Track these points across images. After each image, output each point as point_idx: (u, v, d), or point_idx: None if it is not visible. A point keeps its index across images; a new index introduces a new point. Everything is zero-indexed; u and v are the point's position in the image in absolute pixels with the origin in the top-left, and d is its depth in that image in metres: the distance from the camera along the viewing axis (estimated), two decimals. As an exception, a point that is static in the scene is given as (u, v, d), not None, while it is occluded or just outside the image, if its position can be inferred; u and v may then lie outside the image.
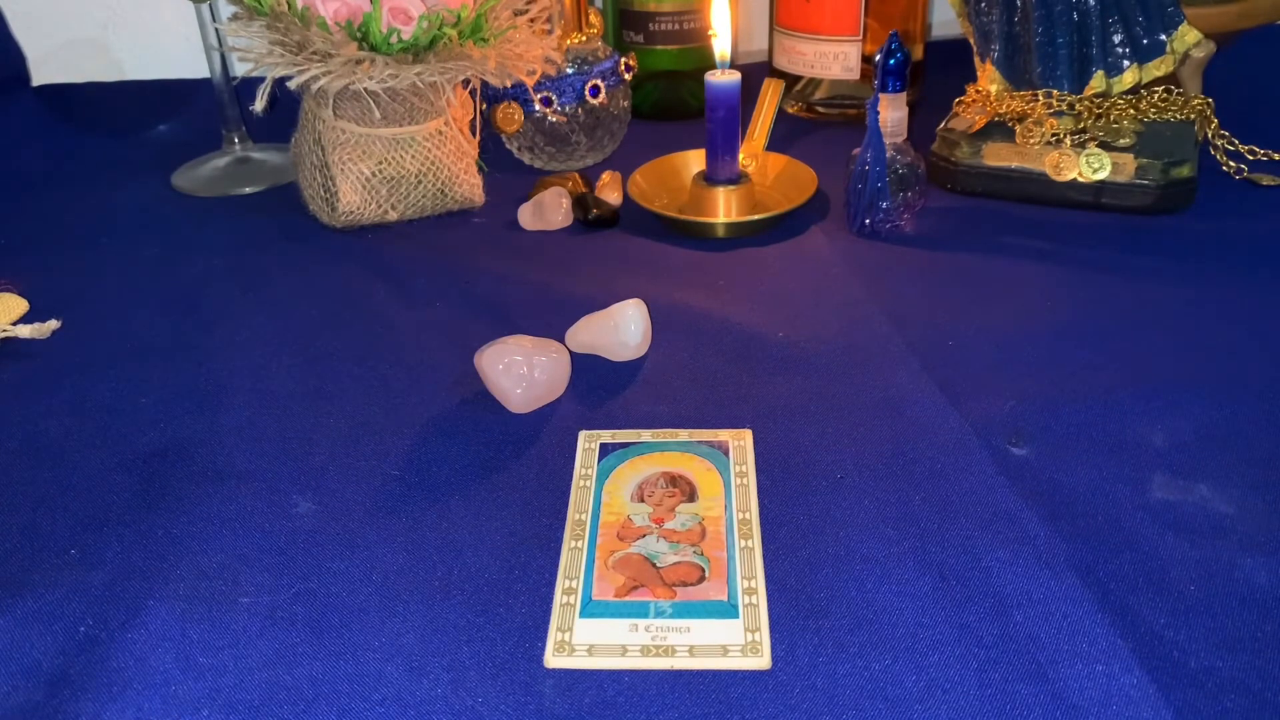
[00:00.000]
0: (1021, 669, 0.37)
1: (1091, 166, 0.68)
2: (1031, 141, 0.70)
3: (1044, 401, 0.51)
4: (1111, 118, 0.69)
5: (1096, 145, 0.69)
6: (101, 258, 0.70)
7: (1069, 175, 0.69)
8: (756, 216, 0.69)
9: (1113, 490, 0.46)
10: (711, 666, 0.38)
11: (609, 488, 0.47)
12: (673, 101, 0.90)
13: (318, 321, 0.61)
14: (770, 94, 0.78)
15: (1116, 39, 0.68)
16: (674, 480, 0.47)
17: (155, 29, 0.93)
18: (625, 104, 0.80)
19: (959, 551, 0.43)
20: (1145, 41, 0.68)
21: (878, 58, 0.65)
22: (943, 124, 0.75)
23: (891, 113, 0.66)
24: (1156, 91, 0.69)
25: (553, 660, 0.38)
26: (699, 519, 0.45)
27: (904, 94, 0.66)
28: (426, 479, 0.48)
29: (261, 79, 0.64)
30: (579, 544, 0.44)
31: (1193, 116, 0.69)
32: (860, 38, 0.82)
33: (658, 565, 0.42)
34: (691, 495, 0.46)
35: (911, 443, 0.49)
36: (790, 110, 0.89)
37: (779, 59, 0.87)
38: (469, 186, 0.73)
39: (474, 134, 0.75)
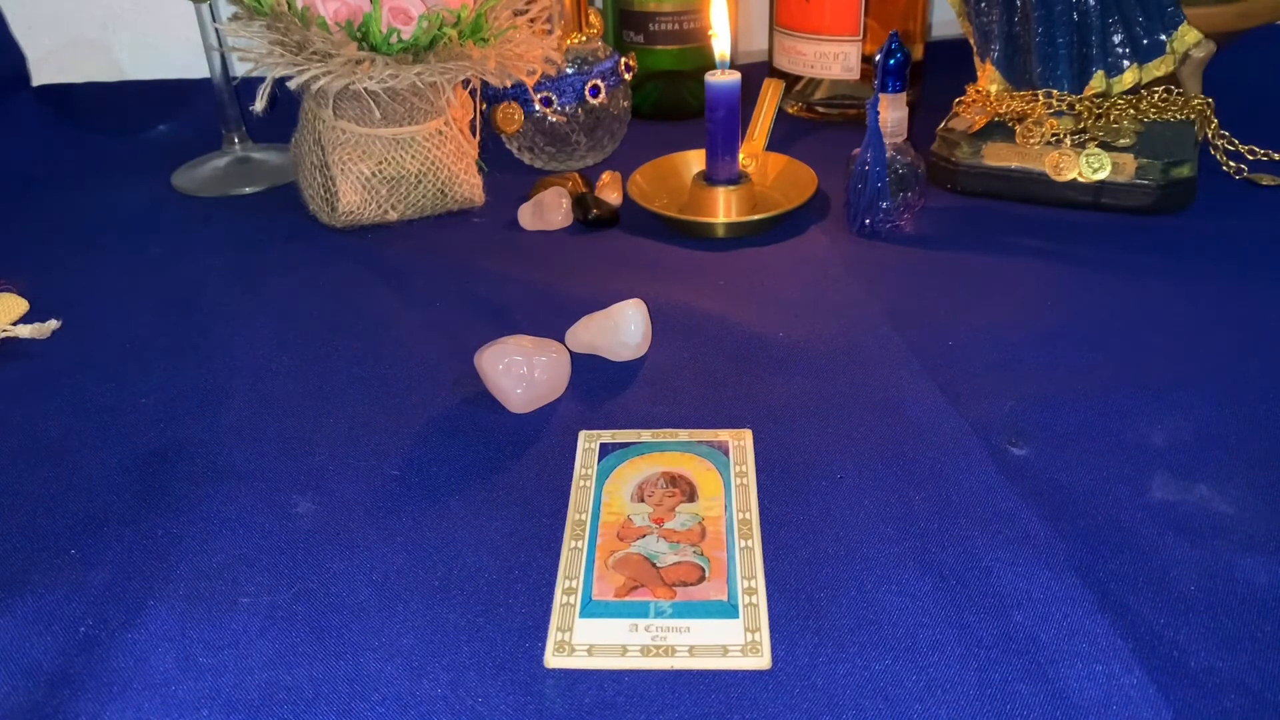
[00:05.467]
0: (1021, 669, 0.37)
1: (1091, 166, 0.68)
2: (1031, 141, 0.70)
3: (1044, 401, 0.51)
4: (1111, 118, 0.69)
5: (1096, 145, 0.69)
6: (101, 258, 0.70)
7: (1069, 175, 0.69)
8: (756, 216, 0.69)
9: (1113, 490, 0.46)
10: (711, 666, 0.38)
11: (609, 488, 0.47)
12: (673, 101, 0.90)
13: (318, 321, 0.61)
14: (770, 94, 0.78)
15: (1116, 39, 0.68)
16: (674, 480, 0.47)
17: (155, 29, 0.93)
18: (625, 104, 0.80)
19: (959, 551, 0.43)
20: (1145, 41, 0.68)
21: (878, 58, 0.65)
22: (943, 124, 0.75)
23: (891, 113, 0.66)
24: (1156, 91, 0.69)
25: (553, 660, 0.38)
26: (699, 519, 0.45)
27: (904, 94, 0.66)
28: (426, 479, 0.48)
29: (261, 79, 0.64)
30: (579, 544, 0.44)
31: (1193, 116, 0.69)
32: (860, 38, 0.82)
33: (658, 565, 0.42)
34: (691, 495, 0.46)
35: (911, 443, 0.49)
36: (790, 110, 0.89)
37: (779, 59, 0.87)
38: (469, 186, 0.73)
39: (474, 134, 0.75)
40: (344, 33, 0.64)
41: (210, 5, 0.79)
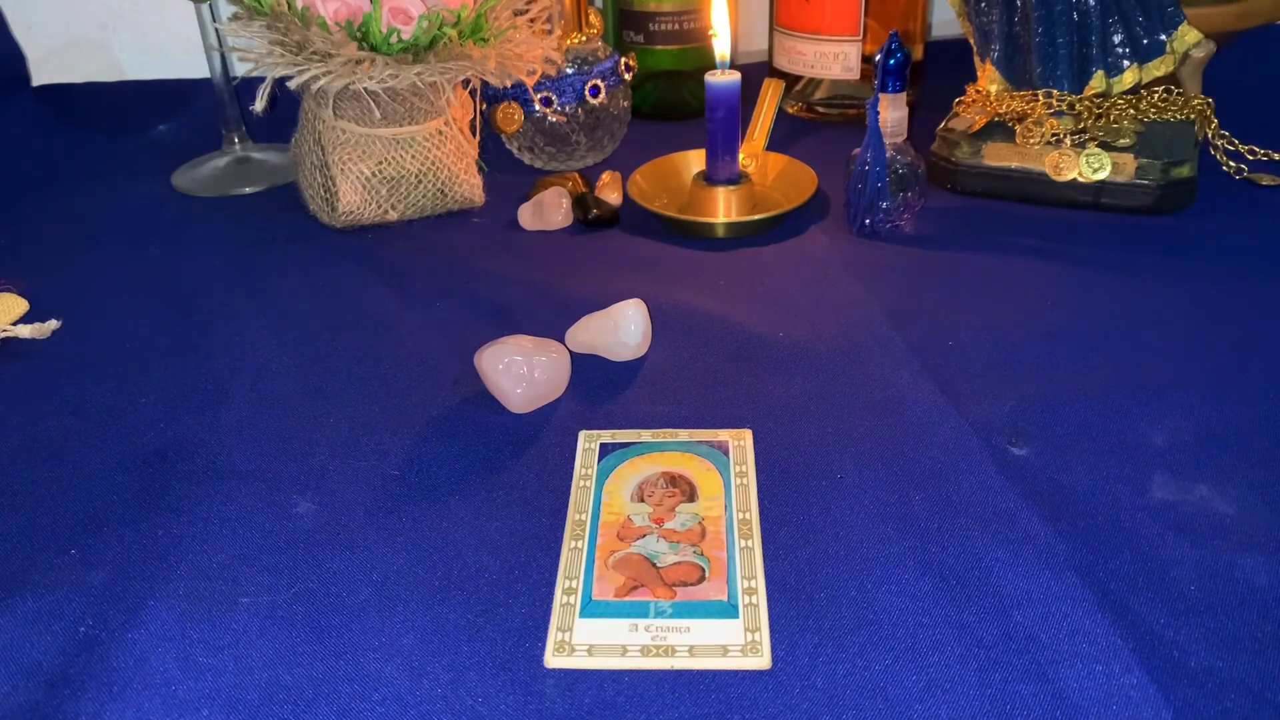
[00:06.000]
0: (1021, 669, 0.37)
1: (1091, 166, 0.68)
2: (1031, 141, 0.70)
3: (1044, 401, 0.51)
4: (1111, 118, 0.69)
5: (1096, 145, 0.69)
6: (101, 258, 0.70)
7: (1069, 175, 0.69)
8: (756, 216, 0.69)
9: (1113, 490, 0.46)
10: (711, 666, 0.38)
11: (609, 488, 0.47)
12: (673, 101, 0.90)
13: (318, 321, 0.61)
14: (770, 94, 0.78)
15: (1116, 39, 0.68)
16: (674, 480, 0.47)
17: (155, 29, 0.93)
18: (625, 104, 0.80)
19: (959, 551, 0.43)
20: (1145, 41, 0.68)
21: (878, 58, 0.65)
22: (943, 124, 0.75)
23: (891, 113, 0.66)
24: (1156, 91, 0.69)
25: (553, 660, 0.38)
26: (699, 519, 0.45)
27: (904, 94, 0.66)
28: (426, 479, 0.48)
29: (261, 79, 0.64)
30: (579, 544, 0.44)
31: (1193, 116, 0.69)
32: (860, 38, 0.82)
33: (658, 565, 0.42)
34: (691, 495, 0.46)
35: (911, 443, 0.49)
36: (790, 110, 0.89)
37: (779, 59, 0.87)
38: (469, 186, 0.73)
39: (474, 134, 0.75)
40: (344, 33, 0.64)
41: (210, 5, 0.79)
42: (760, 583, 0.41)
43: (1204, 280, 0.61)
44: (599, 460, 0.49)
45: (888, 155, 0.66)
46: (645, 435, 0.50)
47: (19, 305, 0.63)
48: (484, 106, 0.77)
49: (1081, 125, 0.70)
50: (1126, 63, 0.69)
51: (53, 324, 0.61)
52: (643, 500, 0.46)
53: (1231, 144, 0.73)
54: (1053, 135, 0.70)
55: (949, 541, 0.43)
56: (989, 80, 0.72)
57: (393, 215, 0.72)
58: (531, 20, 0.71)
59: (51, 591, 0.42)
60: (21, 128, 0.88)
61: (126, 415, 0.53)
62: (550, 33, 0.73)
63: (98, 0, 0.91)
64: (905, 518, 0.45)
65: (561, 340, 0.56)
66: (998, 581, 0.41)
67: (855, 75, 0.84)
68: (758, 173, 0.74)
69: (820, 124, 0.87)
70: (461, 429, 0.51)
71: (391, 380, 0.55)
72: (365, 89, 0.65)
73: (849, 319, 0.59)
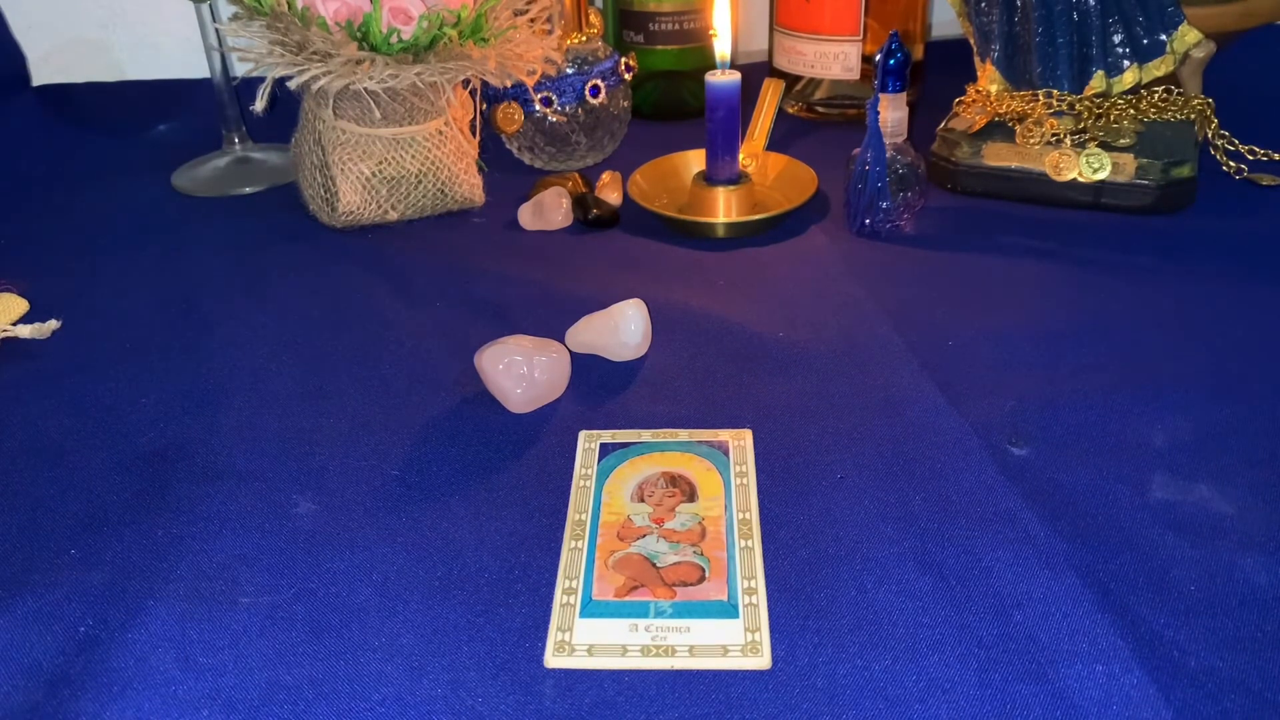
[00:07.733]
0: (1021, 669, 0.37)
1: (1091, 166, 0.68)
2: (1031, 141, 0.70)
3: (1044, 401, 0.51)
4: (1111, 118, 0.69)
5: (1096, 145, 0.69)
6: (101, 258, 0.70)
7: (1069, 175, 0.69)
8: (756, 216, 0.69)
9: (1113, 490, 0.46)
10: (711, 666, 0.38)
11: (609, 488, 0.47)
12: (673, 101, 0.90)
13: (318, 321, 0.61)
14: (770, 94, 0.78)
15: (1116, 39, 0.68)
16: (674, 480, 0.47)
17: (155, 29, 0.93)
18: (625, 104, 0.80)
19: (959, 551, 0.43)
20: (1145, 41, 0.68)
21: (878, 58, 0.65)
22: (943, 124, 0.75)
23: (891, 113, 0.66)
24: (1156, 91, 0.69)
25: (553, 660, 0.38)
26: (699, 519, 0.45)
27: (904, 94, 0.66)
28: (426, 479, 0.48)
29: (261, 79, 0.64)
30: (579, 544, 0.44)
31: (1193, 116, 0.69)
32: (860, 38, 0.82)
33: (658, 565, 0.42)
34: (691, 495, 0.46)
35: (911, 443, 0.49)
36: (790, 110, 0.89)
37: (779, 59, 0.87)
38: (469, 186, 0.73)
39: (474, 134, 0.75)
40: (344, 33, 0.64)
41: (210, 5, 0.79)
42: (760, 583, 0.41)
43: (1204, 280, 0.61)
44: (599, 460, 0.49)
45: (888, 155, 0.66)
46: (645, 435, 0.50)
47: (19, 305, 0.63)
48: (484, 106, 0.77)
49: (1081, 125, 0.70)
50: (1126, 63, 0.69)
51: (53, 324, 0.61)
52: (643, 500, 0.46)
53: (1231, 144, 0.73)
54: (1053, 135, 0.70)
55: (949, 541, 0.43)
56: (989, 80, 0.72)
57: (393, 215, 0.72)
58: (531, 20, 0.71)
59: (51, 591, 0.42)
60: (21, 128, 0.88)
61: (126, 415, 0.53)
62: (550, 33, 0.73)
63: (98, 0, 0.91)
64: (905, 518, 0.45)
65: (561, 340, 0.56)
66: (998, 581, 0.41)
67: (855, 75, 0.84)
68: (758, 173, 0.74)
69: (820, 124, 0.87)
70: (461, 429, 0.51)
71: (391, 380, 0.55)
72: (365, 89, 0.65)
73: (849, 319, 0.59)
